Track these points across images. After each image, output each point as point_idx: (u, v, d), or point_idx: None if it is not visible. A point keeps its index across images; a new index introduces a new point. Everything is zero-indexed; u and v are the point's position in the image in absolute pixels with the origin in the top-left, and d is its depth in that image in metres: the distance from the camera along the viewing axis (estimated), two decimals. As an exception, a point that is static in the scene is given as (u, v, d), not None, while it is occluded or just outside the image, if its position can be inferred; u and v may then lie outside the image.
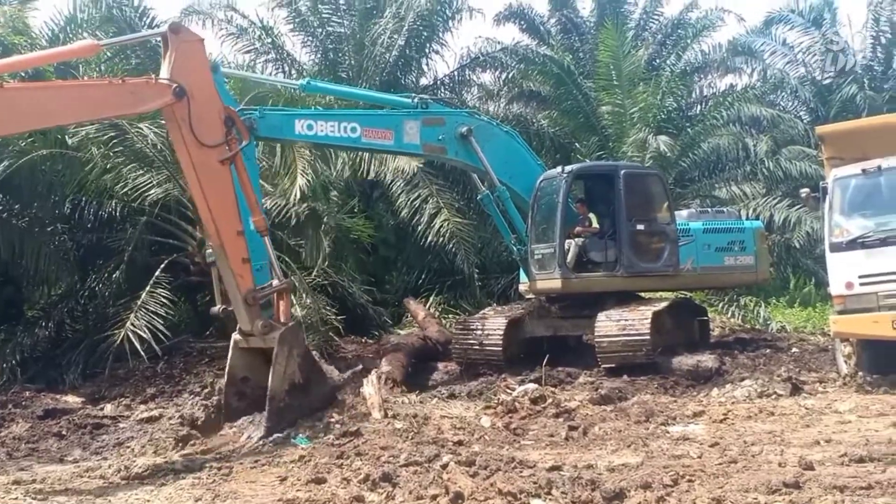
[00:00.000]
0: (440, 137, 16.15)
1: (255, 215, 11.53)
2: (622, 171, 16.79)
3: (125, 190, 17.63)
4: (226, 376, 11.97)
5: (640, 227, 16.57)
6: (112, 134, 17.45)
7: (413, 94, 17.25)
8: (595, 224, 16.73)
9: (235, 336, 11.78)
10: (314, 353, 13.53)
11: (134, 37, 16.20)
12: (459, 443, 9.94)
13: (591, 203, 17.17)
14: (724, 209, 19.90)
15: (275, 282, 11.63)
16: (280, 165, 18.77)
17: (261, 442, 10.68)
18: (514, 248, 17.27)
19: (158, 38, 12.25)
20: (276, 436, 10.81)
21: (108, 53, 19.34)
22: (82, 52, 13.59)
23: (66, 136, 17.91)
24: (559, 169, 16.95)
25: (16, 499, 8.29)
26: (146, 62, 18.74)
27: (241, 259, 11.28)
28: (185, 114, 10.68)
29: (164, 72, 10.82)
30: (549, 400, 12.20)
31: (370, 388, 12.81)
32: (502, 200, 16.81)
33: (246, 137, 12.05)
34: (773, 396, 12.79)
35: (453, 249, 21.59)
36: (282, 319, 11.54)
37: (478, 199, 17.88)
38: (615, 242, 16.39)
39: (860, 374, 13.37)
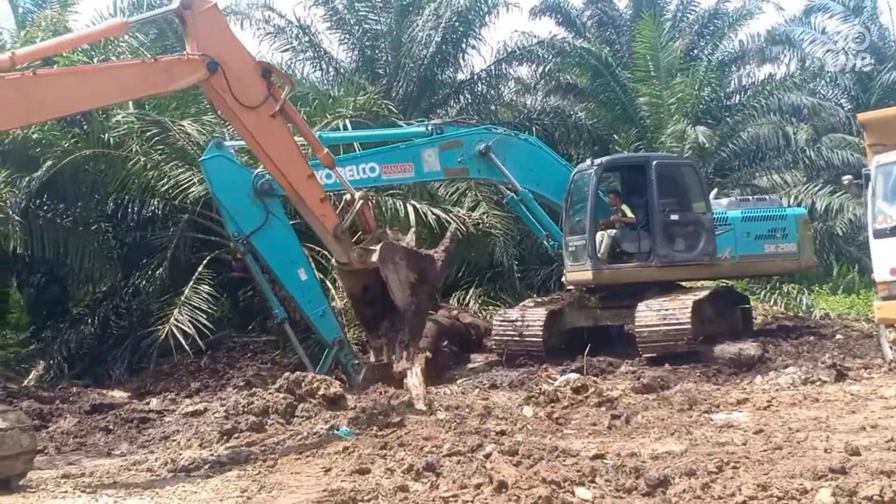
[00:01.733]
0: (460, 159, 16.38)
1: (319, 152, 11.76)
2: (654, 162, 16.79)
3: (167, 188, 17.79)
4: (350, 300, 12.59)
5: (674, 216, 16.55)
6: (155, 131, 17.63)
7: (426, 122, 17.48)
8: (630, 214, 16.70)
9: (337, 265, 12.16)
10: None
11: (150, 15, 16.22)
12: (502, 433, 9.95)
13: (625, 195, 17.14)
14: (767, 197, 19.74)
15: (346, 196, 11.85)
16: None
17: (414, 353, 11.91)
18: (548, 245, 17.53)
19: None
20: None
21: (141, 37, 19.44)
22: (111, 31, 13.77)
23: (108, 136, 18.09)
24: (589, 161, 17.02)
25: (65, 492, 8.40)
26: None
27: (319, 199, 11.44)
28: (224, 84, 10.65)
29: (191, 48, 10.70)
30: (591, 389, 12.17)
31: (414, 379, 12.86)
32: (527, 203, 16.99)
33: (288, 83, 12.08)
34: (818, 383, 12.70)
35: (493, 242, 21.59)
36: (371, 228, 11.94)
37: (504, 203, 17.94)
38: (648, 233, 16.36)
39: (906, 360, 13.26)
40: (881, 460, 7.56)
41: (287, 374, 12.49)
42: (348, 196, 11.79)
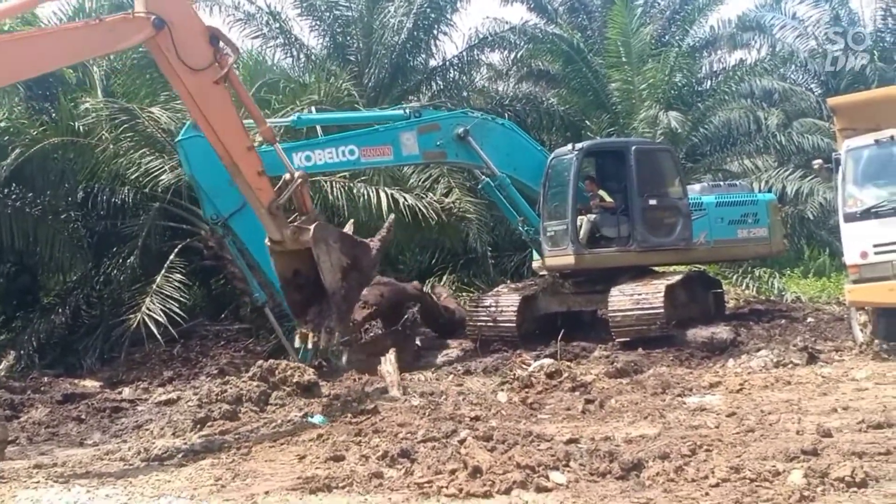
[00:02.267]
0: (438, 143, 16.20)
1: (261, 126, 11.57)
2: (633, 147, 16.82)
3: (137, 175, 17.66)
4: (279, 281, 12.08)
5: (653, 202, 16.56)
6: (124, 118, 17.48)
7: (404, 106, 17.36)
8: (608, 199, 16.72)
9: (269, 244, 11.73)
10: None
11: None
12: (476, 418, 9.94)
13: (600, 180, 17.14)
14: (737, 182, 19.89)
15: (286, 175, 11.53)
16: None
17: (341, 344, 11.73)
18: (523, 230, 17.30)
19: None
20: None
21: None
22: (24, 7, 13.59)
23: (77, 124, 17.93)
24: (569, 147, 16.95)
25: (37, 483, 8.32)
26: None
27: (257, 172, 11.16)
28: (169, 42, 10.37)
29: (139, 5, 10.42)
30: (565, 374, 12.18)
31: (388, 366, 12.85)
32: (504, 187, 16.82)
33: (235, 51, 11.88)
34: (790, 366, 12.80)
35: (465, 228, 21.59)
36: (308, 209, 11.60)
37: (479, 189, 17.90)
38: (627, 218, 16.39)
39: (876, 342, 13.38)
40: (852, 441, 7.63)
41: (260, 361, 12.46)
42: (287, 175, 11.47)
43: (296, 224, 11.32)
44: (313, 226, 11.23)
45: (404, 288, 17.13)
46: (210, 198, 13.81)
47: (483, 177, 17.40)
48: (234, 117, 11.12)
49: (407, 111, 16.59)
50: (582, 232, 16.15)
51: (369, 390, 12.07)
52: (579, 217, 16.26)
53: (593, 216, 16.44)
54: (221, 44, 10.99)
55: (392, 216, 14.07)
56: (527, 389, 11.75)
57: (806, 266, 25.56)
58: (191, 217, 18.54)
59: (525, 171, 17.04)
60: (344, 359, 13.79)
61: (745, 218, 17.57)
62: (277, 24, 26.57)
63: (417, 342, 16.35)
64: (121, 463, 9.28)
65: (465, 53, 28.57)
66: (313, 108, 18.33)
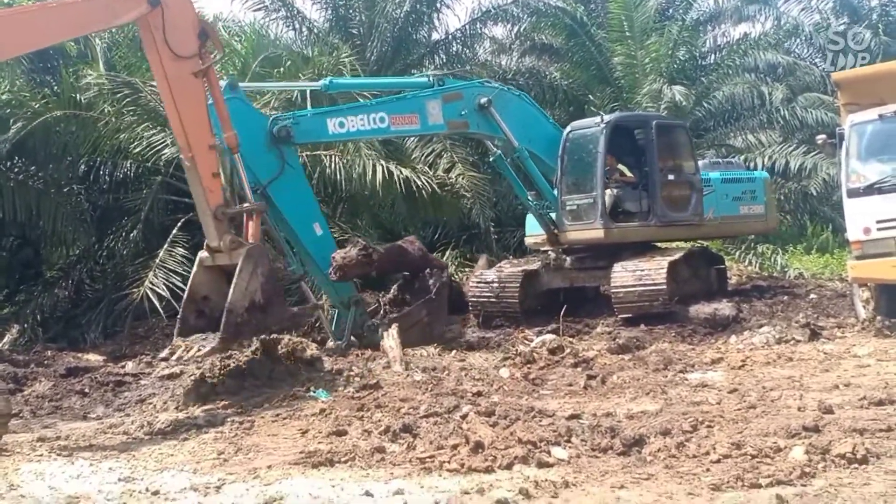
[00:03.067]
0: (462, 112, 15.88)
1: (226, 131, 11.52)
2: (654, 122, 16.81)
3: (139, 149, 17.64)
4: (186, 292, 11.76)
5: (671, 177, 16.64)
6: (126, 92, 17.45)
7: (428, 74, 17.15)
8: (629, 174, 16.69)
9: (202, 254, 11.61)
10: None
11: None
12: (479, 394, 9.98)
13: (618, 155, 17.06)
14: (732, 160, 19.93)
15: (245, 205, 11.55)
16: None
17: (209, 354, 10.89)
18: (533, 204, 17.06)
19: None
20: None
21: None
22: None
23: (80, 97, 17.90)
24: (595, 119, 16.94)
25: (41, 456, 8.36)
26: None
27: (212, 173, 11.16)
28: (159, 22, 10.54)
29: None
30: (567, 350, 12.21)
31: (391, 341, 12.88)
32: (522, 161, 16.61)
33: (220, 50, 12.07)
34: (792, 342, 12.79)
35: (469, 204, 21.57)
36: (250, 240, 11.51)
37: (491, 162, 17.65)
38: (647, 193, 16.39)
39: (878, 318, 13.35)
40: (854, 418, 7.64)
41: (263, 336, 12.45)
42: (247, 204, 11.61)
43: (234, 238, 11.27)
44: (254, 245, 11.32)
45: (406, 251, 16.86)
46: (247, 164, 13.09)
47: (495, 149, 17.17)
48: (203, 112, 11.18)
49: (430, 79, 16.35)
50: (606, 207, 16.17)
51: (372, 365, 12.10)
52: None
53: (614, 190, 16.41)
54: (209, 41, 11.15)
55: (311, 304, 13.86)
56: (529, 365, 11.77)
57: (809, 242, 25.56)
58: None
59: (539, 143, 16.82)
60: (380, 333, 13.73)
61: (745, 194, 17.76)
62: (280, -2, 26.44)
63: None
64: (124, 436, 9.31)
65: (467, 27, 28.50)
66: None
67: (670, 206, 16.56)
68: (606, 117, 16.87)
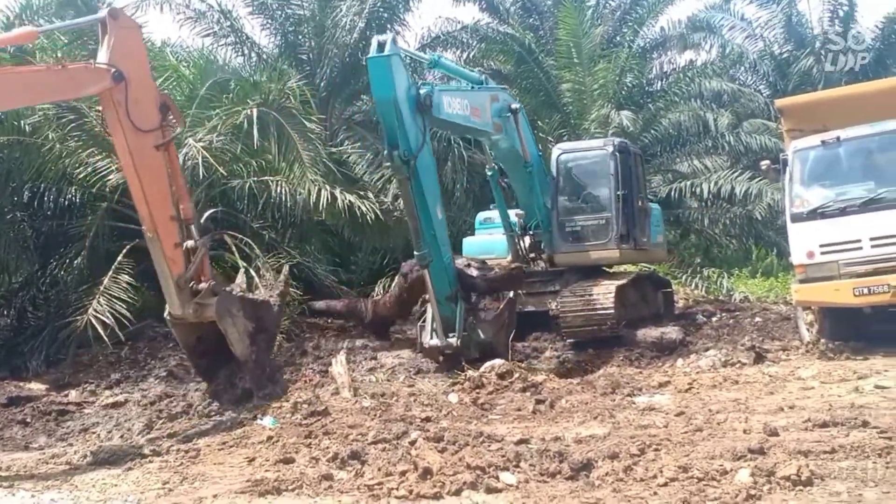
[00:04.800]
0: (501, 115, 15.51)
1: (184, 203, 11.53)
2: (631, 148, 17.19)
3: (84, 175, 17.43)
4: (183, 347, 12.31)
5: (639, 203, 17.03)
6: (71, 117, 17.24)
7: (479, 69, 16.95)
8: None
9: (169, 317, 11.79)
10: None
11: (74, 23, 15.73)
12: (427, 419, 9.95)
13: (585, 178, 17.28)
14: None
15: (189, 242, 11.47)
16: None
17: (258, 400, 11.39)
18: (523, 222, 16.81)
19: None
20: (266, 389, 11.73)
21: (65, 40, 18.95)
22: (21, 39, 13.54)
23: (23, 123, 17.65)
24: (600, 142, 17.32)
25: (-19, 487, 8.21)
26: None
27: (174, 244, 11.24)
28: (122, 98, 10.65)
29: (102, 56, 10.74)
30: (516, 374, 12.24)
31: (339, 367, 12.81)
32: (535, 174, 16.40)
33: (180, 124, 12.07)
34: (738, 365, 12.95)
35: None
36: (207, 276, 11.63)
37: (488, 176, 16.91)
38: (627, 217, 16.57)
39: (822, 341, 13.57)
40: (798, 440, 7.72)
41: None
42: (190, 243, 11.46)
43: (196, 300, 11.37)
44: (215, 301, 11.38)
45: None
46: (405, 129, 12.32)
47: (490, 164, 16.78)
48: (165, 185, 11.27)
49: (482, 74, 16.11)
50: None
51: (320, 392, 12.02)
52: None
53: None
54: (169, 114, 11.31)
55: (286, 268, 13.88)
56: (478, 390, 11.78)
57: (754, 266, 25.86)
58: (139, 217, 18.31)
59: (534, 160, 16.67)
60: (481, 333, 13.59)
61: (658, 224, 18.28)
62: (228, 23, 26.26)
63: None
64: (66, 466, 9.18)
65: (417, 53, 28.55)
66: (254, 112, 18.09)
67: (641, 230, 16.96)
68: (616, 141, 17.14)
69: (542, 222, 16.67)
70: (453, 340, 13.47)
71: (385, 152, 12.45)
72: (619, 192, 16.22)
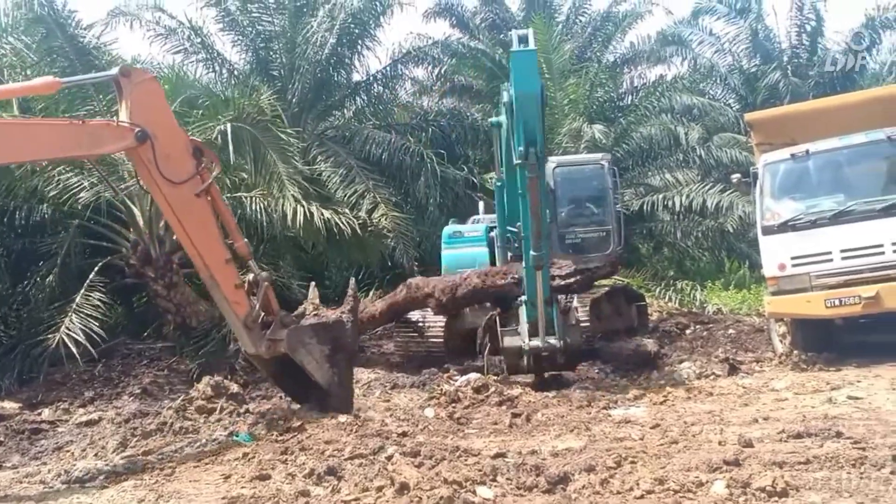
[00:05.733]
0: None
1: (237, 241, 11.30)
2: (606, 163, 17.38)
3: (55, 193, 17.35)
4: (269, 378, 12.37)
5: (623, 215, 17.18)
6: (41, 135, 17.11)
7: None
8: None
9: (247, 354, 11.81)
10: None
11: (89, 78, 15.53)
12: (404, 434, 9.93)
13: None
14: None
15: (249, 277, 11.29)
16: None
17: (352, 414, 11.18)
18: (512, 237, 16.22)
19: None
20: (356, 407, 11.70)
21: (35, 58, 18.88)
22: (42, 90, 13.13)
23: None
24: (595, 156, 17.68)
25: (-48, 508, 8.14)
26: (76, 64, 18.36)
27: (234, 285, 11.01)
28: (151, 155, 10.31)
29: (123, 115, 10.42)
30: (492, 388, 12.22)
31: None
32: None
33: (217, 165, 11.51)
34: (712, 377, 13.01)
35: (392, 244, 21.58)
36: (275, 311, 11.43)
37: (496, 187, 16.67)
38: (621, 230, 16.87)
39: (795, 352, 13.66)
40: (773, 451, 7.76)
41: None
42: (251, 276, 11.28)
43: (268, 337, 11.21)
44: (285, 335, 11.17)
45: None
46: (530, 127, 11.92)
47: (499, 174, 16.33)
48: (213, 230, 10.96)
49: None
50: None
51: (295, 407, 11.98)
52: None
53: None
54: (205, 158, 10.91)
55: (353, 281, 13.61)
56: (454, 404, 11.76)
57: (727, 278, 26.03)
58: (111, 234, 18.25)
59: None
60: (570, 337, 13.47)
61: None
62: (199, 39, 26.28)
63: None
64: (40, 486, 9.07)
65: (388, 68, 28.68)
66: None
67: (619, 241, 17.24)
68: (607, 155, 17.57)
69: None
70: (554, 341, 13.00)
71: (520, 149, 11.91)
72: (617, 207, 16.44)
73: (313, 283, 15.06)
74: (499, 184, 16.30)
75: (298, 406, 11.67)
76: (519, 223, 15.86)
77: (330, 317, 12.20)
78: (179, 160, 10.61)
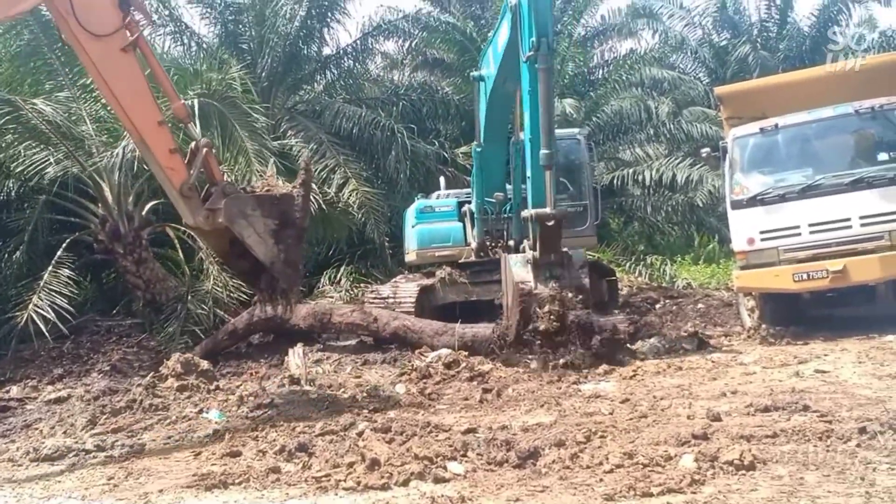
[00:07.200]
0: None
1: (173, 102, 10.55)
2: (585, 137, 17.26)
3: (21, 169, 17.18)
4: (218, 256, 11.93)
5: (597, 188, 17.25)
6: (6, 110, 16.94)
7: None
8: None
9: (189, 225, 10.92)
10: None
11: None
12: (375, 410, 9.95)
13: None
14: None
15: (191, 146, 10.49)
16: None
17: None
18: (489, 206, 16.52)
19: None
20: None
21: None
22: None
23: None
24: (571, 130, 17.52)
25: (-80, 487, 8.06)
26: (40, 37, 18.11)
27: (168, 150, 10.18)
28: (68, 5, 9.51)
29: None
30: (463, 364, 12.26)
31: (296, 358, 12.78)
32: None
33: (148, 18, 10.81)
34: (681, 352, 13.05)
35: (363, 219, 21.53)
36: (217, 178, 10.58)
37: (476, 151, 16.62)
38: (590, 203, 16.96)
39: (763, 326, 13.75)
40: (741, 425, 7.81)
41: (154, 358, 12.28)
42: (192, 145, 10.40)
43: (207, 206, 10.35)
44: (223, 203, 10.31)
45: None
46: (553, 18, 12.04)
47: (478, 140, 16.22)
48: (143, 88, 10.13)
49: None
50: None
51: (266, 384, 11.97)
52: None
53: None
54: (132, 8, 10.00)
55: (306, 154, 12.77)
56: (425, 380, 11.78)
57: (696, 253, 26.18)
58: (79, 210, 18.08)
59: None
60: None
61: None
62: (167, 12, 25.96)
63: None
64: (9, 464, 9.01)
65: (359, 42, 28.46)
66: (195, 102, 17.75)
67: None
68: (584, 131, 17.72)
69: (513, 207, 16.22)
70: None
71: (532, 40, 11.72)
72: (595, 183, 16.44)
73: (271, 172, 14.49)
74: (479, 149, 16.29)
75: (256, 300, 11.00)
76: (499, 192, 15.93)
77: (279, 189, 11.22)
78: (102, 11, 9.75)
